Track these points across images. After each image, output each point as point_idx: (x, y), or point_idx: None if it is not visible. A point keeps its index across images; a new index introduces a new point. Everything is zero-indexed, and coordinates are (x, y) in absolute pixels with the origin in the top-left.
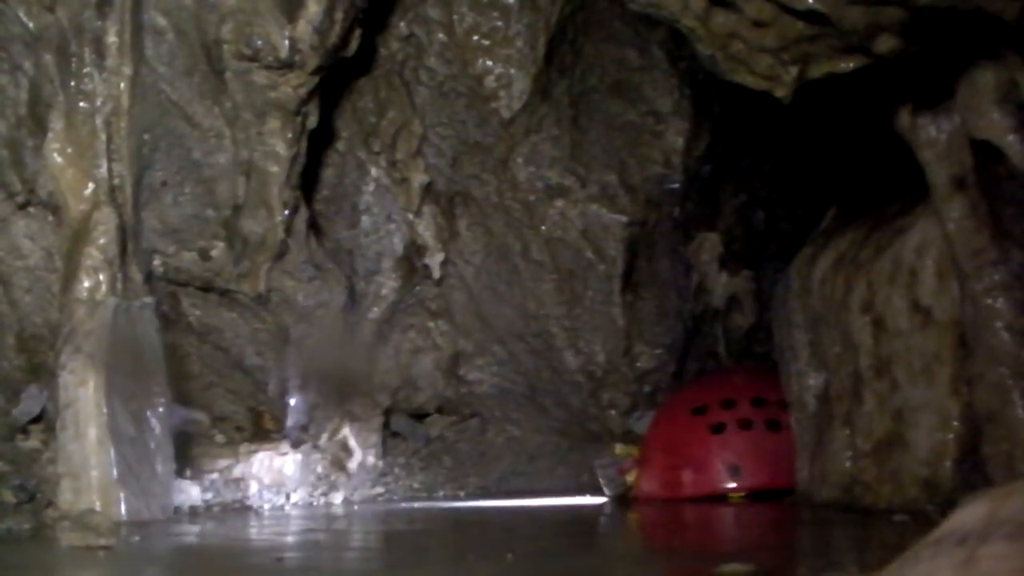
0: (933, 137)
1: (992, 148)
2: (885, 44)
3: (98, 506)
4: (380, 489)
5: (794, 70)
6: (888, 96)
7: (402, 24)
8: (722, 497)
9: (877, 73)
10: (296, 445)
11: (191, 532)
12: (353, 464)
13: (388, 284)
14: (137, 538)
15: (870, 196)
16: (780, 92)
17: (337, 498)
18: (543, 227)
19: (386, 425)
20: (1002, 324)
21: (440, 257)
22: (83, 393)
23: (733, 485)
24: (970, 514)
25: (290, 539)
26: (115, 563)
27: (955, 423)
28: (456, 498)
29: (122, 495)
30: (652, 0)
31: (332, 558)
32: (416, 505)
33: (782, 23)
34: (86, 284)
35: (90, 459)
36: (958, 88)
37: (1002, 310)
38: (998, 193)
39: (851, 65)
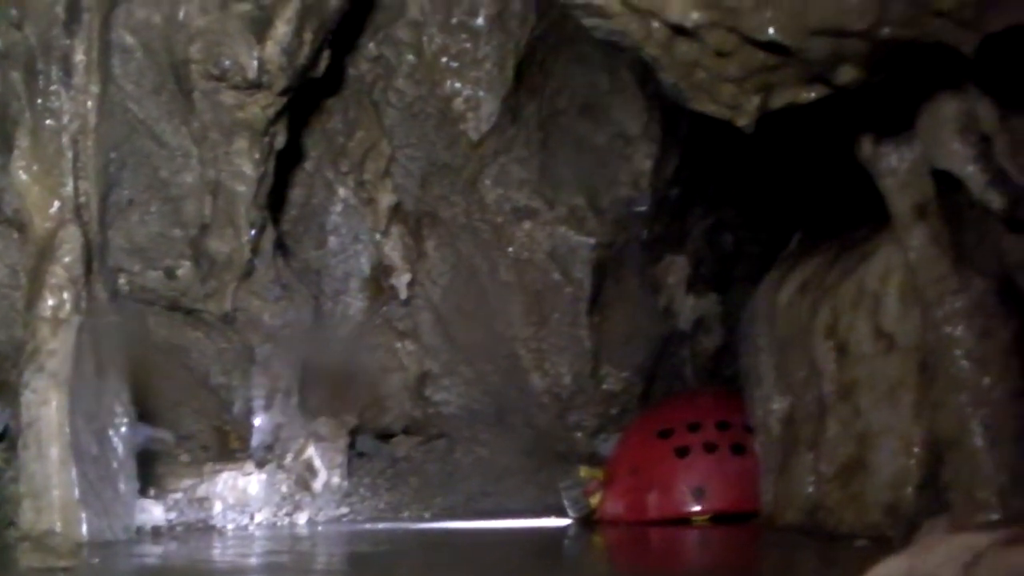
0: (895, 166)
1: (953, 178)
2: (847, 75)
3: (59, 526)
4: (345, 510)
5: (756, 99)
6: (851, 124)
7: (372, 45)
8: (686, 520)
9: (840, 102)
10: (261, 465)
11: (153, 553)
12: (318, 484)
13: (355, 304)
14: (97, 560)
15: (836, 220)
16: (742, 121)
17: (302, 518)
18: (511, 248)
19: (352, 445)
20: (962, 352)
21: (407, 277)
22: (45, 412)
23: (697, 508)
24: (891, 568)
25: (253, 561)
26: None
27: (917, 449)
28: (422, 519)
29: (84, 515)
30: (615, 28)
31: None
32: (381, 526)
33: (744, 53)
34: (50, 302)
35: (52, 479)
36: (919, 118)
37: (963, 338)
38: (959, 222)
39: (813, 95)
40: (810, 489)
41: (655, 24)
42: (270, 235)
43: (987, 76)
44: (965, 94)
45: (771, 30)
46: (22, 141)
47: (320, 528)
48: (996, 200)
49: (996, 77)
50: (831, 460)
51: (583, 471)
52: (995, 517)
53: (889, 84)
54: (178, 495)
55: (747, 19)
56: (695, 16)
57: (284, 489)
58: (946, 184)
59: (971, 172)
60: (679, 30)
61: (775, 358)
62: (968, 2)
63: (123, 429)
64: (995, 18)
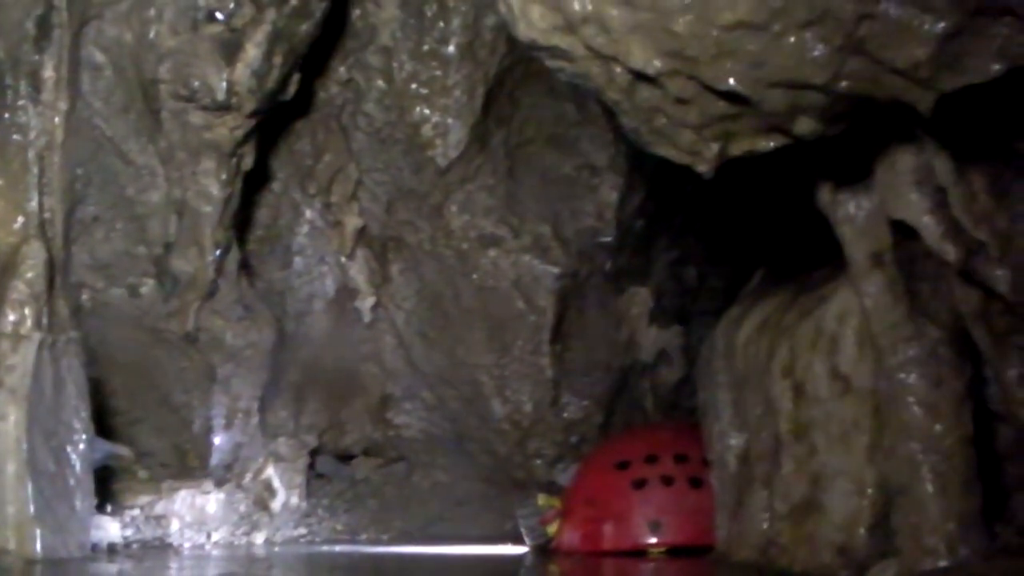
0: (852, 214)
1: (909, 227)
2: (805, 126)
3: (13, 543)
4: (303, 530)
5: (715, 147)
6: (810, 171)
7: (342, 69)
8: (642, 552)
9: (800, 150)
10: (219, 484)
11: (107, 573)
12: (276, 504)
13: (319, 326)
14: None
15: (797, 259)
16: (702, 167)
17: (259, 538)
18: (475, 275)
19: (311, 466)
20: (915, 399)
21: (371, 301)
22: (3, 427)
23: (654, 540)
24: None
25: None
26: None
27: (870, 490)
28: (379, 542)
29: (39, 532)
30: (578, 72)
31: None
32: (339, 548)
33: (704, 101)
34: (11, 318)
35: (7, 494)
36: (877, 168)
37: (915, 385)
38: (914, 271)
39: (771, 144)
40: (764, 526)
41: (617, 69)
42: (235, 255)
43: (944, 130)
44: (922, 146)
45: (731, 80)
46: None
47: (277, 549)
48: (951, 251)
49: (953, 131)
50: (785, 498)
51: (541, 499)
52: (942, 563)
53: (847, 135)
54: (135, 512)
55: (707, 68)
56: (657, 63)
57: (242, 508)
58: (902, 233)
59: (927, 223)
60: (641, 76)
61: (732, 394)
62: (924, 62)
63: (81, 445)
64: (951, 78)
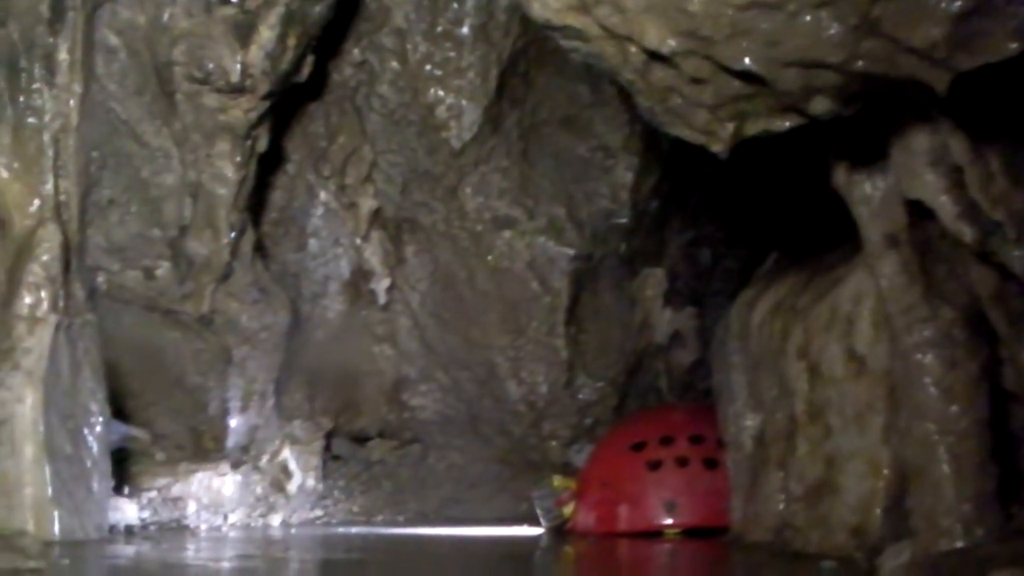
0: (868, 194)
1: (925, 208)
2: (820, 105)
3: (31, 524)
4: (319, 512)
5: (730, 127)
6: (826, 151)
7: (356, 51)
8: (657, 533)
9: (816, 130)
10: (236, 466)
11: (124, 555)
12: (293, 486)
13: (334, 308)
14: (67, 561)
15: (811, 241)
16: (717, 147)
17: (275, 520)
18: (489, 257)
19: (327, 448)
20: (930, 380)
21: (386, 283)
22: (20, 410)
23: (669, 522)
24: None
25: (225, 565)
26: None
27: (885, 472)
28: (395, 523)
29: (56, 514)
30: (593, 52)
31: None
32: (354, 530)
33: (719, 81)
34: (28, 301)
35: (25, 477)
36: (893, 148)
37: (931, 366)
38: (930, 252)
39: (787, 124)
40: (779, 507)
41: (632, 49)
42: (250, 238)
43: (960, 109)
44: (938, 126)
45: (746, 60)
46: (3, 138)
47: (293, 530)
48: (967, 232)
49: (969, 111)
50: (800, 480)
51: (556, 481)
52: (958, 545)
53: (863, 115)
54: (152, 494)
55: (722, 48)
56: (671, 43)
57: (258, 490)
58: (918, 214)
59: (943, 203)
60: (655, 56)
61: (747, 376)
62: (940, 41)
63: (98, 428)
64: (966, 57)
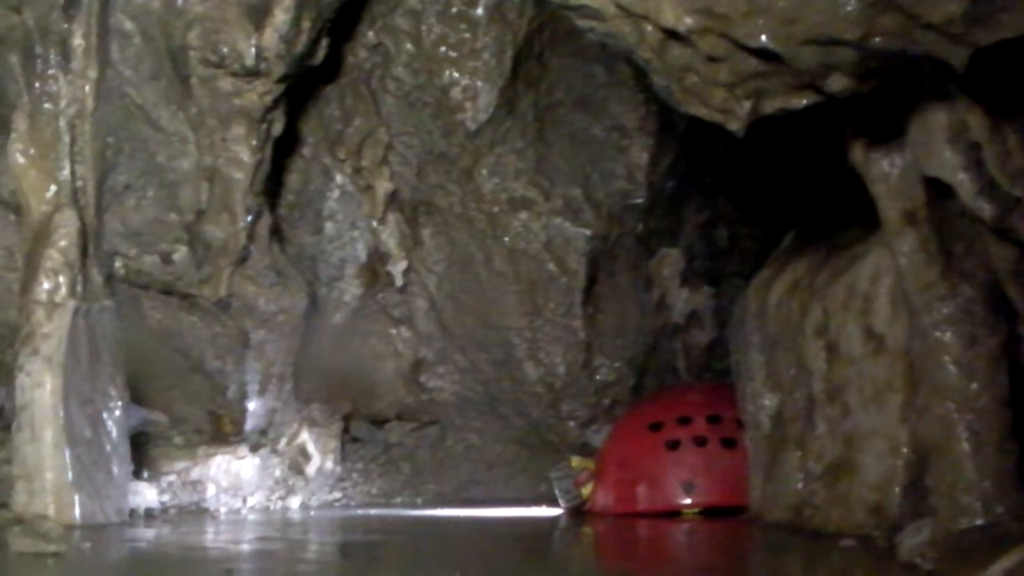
0: (886, 172)
1: (943, 185)
2: (837, 83)
3: (52, 509)
4: (338, 494)
5: (747, 105)
6: (843, 129)
7: (370, 33)
8: (676, 513)
9: (833, 107)
10: (254, 449)
11: (144, 538)
12: (311, 469)
13: (351, 290)
14: (88, 544)
15: (829, 219)
16: (733, 126)
17: (294, 502)
18: (506, 238)
19: (345, 431)
20: (950, 358)
21: (403, 265)
22: (40, 395)
23: (687, 501)
24: None
25: (244, 547)
26: (63, 572)
27: (904, 450)
28: (414, 505)
29: (76, 498)
30: (609, 31)
31: (283, 572)
32: (373, 512)
33: (735, 59)
34: (46, 286)
35: (45, 461)
36: (911, 126)
37: (950, 344)
38: (948, 229)
39: (804, 102)
40: (798, 487)
41: (648, 28)
42: (266, 221)
43: (978, 85)
44: (956, 103)
45: (763, 37)
46: (20, 124)
47: (312, 513)
48: (986, 208)
49: (987, 87)
50: (819, 459)
51: (574, 461)
52: (978, 522)
53: (880, 92)
54: (172, 477)
55: (739, 26)
56: (688, 21)
57: (277, 473)
58: (936, 191)
59: (961, 180)
60: (672, 34)
61: (765, 355)
62: (958, 17)
63: (117, 412)
64: (984, 33)
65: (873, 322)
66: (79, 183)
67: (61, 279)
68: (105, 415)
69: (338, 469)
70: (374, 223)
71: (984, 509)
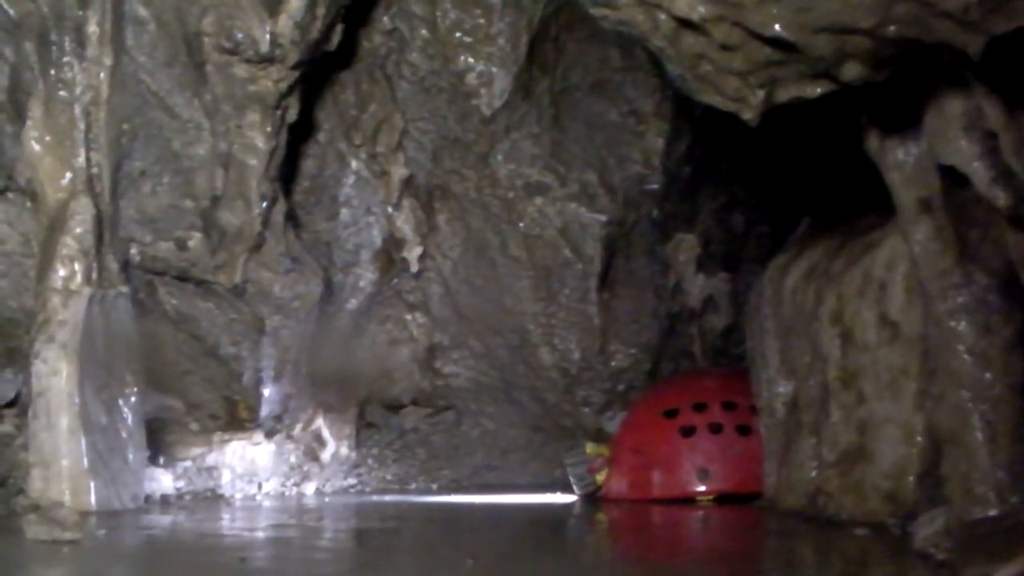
0: (901, 160)
1: (958, 173)
2: (852, 71)
3: (68, 496)
4: (353, 480)
5: (761, 93)
6: (858, 117)
7: (385, 18)
8: (690, 499)
9: (847, 96)
10: (270, 435)
11: (160, 524)
12: (326, 455)
13: (366, 276)
14: (103, 531)
15: (845, 206)
16: (747, 114)
17: (309, 488)
18: (521, 224)
19: (360, 416)
20: (964, 347)
21: (418, 250)
22: (55, 382)
23: (702, 488)
24: None
25: (260, 534)
26: (78, 559)
27: (919, 438)
28: (429, 491)
29: (92, 484)
30: (623, 19)
31: (298, 559)
32: (388, 498)
33: (749, 48)
34: (61, 273)
35: (61, 448)
36: (926, 113)
37: (965, 333)
38: (963, 217)
39: (818, 90)
40: (812, 474)
41: (661, 16)
42: (281, 207)
43: (994, 73)
44: (971, 91)
45: (776, 26)
46: (35, 111)
47: (327, 499)
48: (1001, 196)
49: (1003, 74)
50: (833, 446)
51: (589, 448)
52: (992, 512)
53: (895, 80)
54: (187, 463)
55: (753, 14)
56: (701, 9)
57: (292, 459)
58: (952, 179)
59: (977, 168)
60: (685, 23)
61: (780, 342)
62: (974, 4)
63: (132, 398)
64: (1000, 20)
65: (888, 309)
66: (94, 170)
67: (77, 266)
68: (121, 401)
69: (353, 455)
70: (389, 209)
71: (998, 499)
